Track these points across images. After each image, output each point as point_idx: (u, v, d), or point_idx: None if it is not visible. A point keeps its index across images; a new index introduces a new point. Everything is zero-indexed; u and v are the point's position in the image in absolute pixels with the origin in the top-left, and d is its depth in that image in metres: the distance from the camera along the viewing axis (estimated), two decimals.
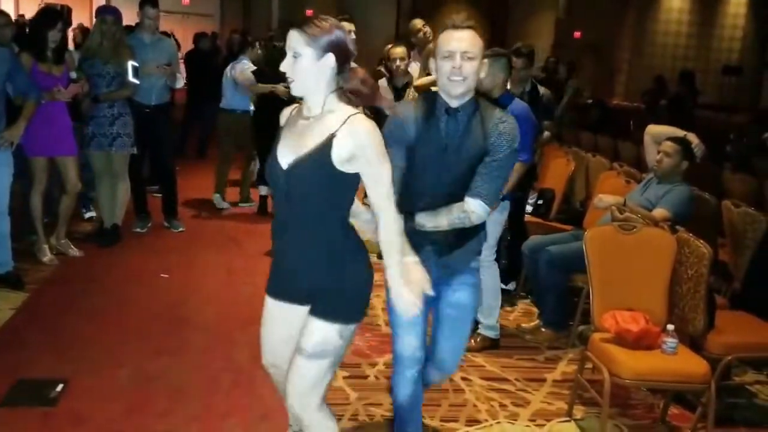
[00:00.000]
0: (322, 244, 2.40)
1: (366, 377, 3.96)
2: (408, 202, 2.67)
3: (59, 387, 3.55)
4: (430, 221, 2.70)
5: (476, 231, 2.84)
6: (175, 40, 7.95)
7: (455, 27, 2.64)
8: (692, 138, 4.53)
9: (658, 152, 4.47)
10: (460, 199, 2.70)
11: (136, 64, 5.80)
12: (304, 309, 2.48)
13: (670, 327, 3.34)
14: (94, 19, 6.33)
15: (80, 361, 3.87)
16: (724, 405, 3.68)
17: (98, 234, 6.00)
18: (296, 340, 2.46)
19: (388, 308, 2.79)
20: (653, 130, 4.78)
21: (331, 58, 2.31)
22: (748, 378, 4.19)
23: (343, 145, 2.28)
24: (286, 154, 2.37)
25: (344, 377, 3.91)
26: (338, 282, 2.41)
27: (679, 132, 4.60)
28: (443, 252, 2.81)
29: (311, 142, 2.32)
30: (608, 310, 3.43)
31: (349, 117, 2.30)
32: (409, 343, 2.84)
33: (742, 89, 17.68)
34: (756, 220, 4.40)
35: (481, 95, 2.81)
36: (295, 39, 2.30)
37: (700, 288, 3.46)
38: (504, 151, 2.65)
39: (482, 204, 2.68)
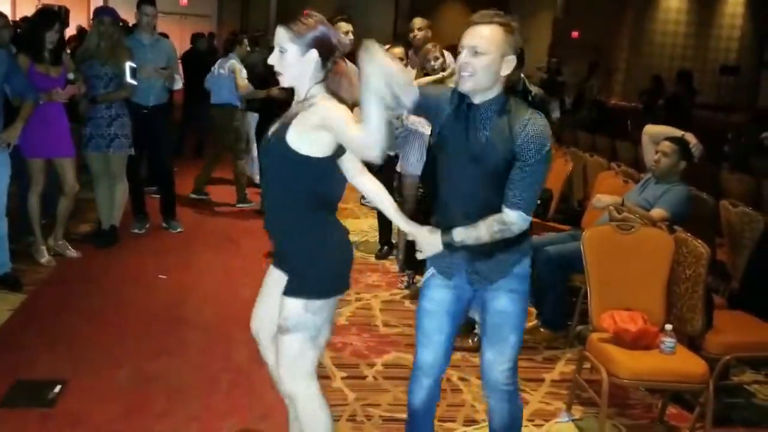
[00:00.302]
0: (287, 222, 2.58)
1: (364, 378, 3.96)
2: (443, 215, 2.69)
3: (57, 388, 3.55)
4: (470, 237, 2.57)
5: (515, 241, 2.67)
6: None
7: (473, 22, 2.58)
8: (690, 138, 4.54)
9: (656, 152, 4.47)
10: (493, 202, 2.57)
11: (133, 65, 5.80)
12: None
13: (669, 327, 3.34)
14: (92, 21, 6.33)
15: (78, 362, 3.87)
16: (722, 405, 3.69)
17: (96, 235, 5.99)
18: (275, 313, 2.66)
19: (417, 315, 2.81)
20: (651, 130, 4.79)
21: (314, 54, 2.50)
22: (746, 378, 4.20)
23: (304, 121, 2.46)
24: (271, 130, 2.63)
25: (342, 378, 3.91)
26: (302, 259, 2.59)
27: (677, 132, 4.60)
28: (474, 259, 2.68)
29: (278, 123, 2.57)
30: (606, 310, 3.43)
31: (318, 102, 2.49)
32: (428, 353, 2.77)
33: (739, 89, 17.73)
34: (754, 219, 4.40)
35: (513, 94, 2.68)
36: (281, 35, 2.49)
37: (698, 288, 3.47)
38: (534, 156, 2.50)
39: (522, 214, 2.56)
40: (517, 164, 2.52)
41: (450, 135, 2.64)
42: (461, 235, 2.57)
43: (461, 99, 2.62)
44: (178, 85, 6.56)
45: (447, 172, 2.67)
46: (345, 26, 5.42)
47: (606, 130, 9.58)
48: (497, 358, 2.74)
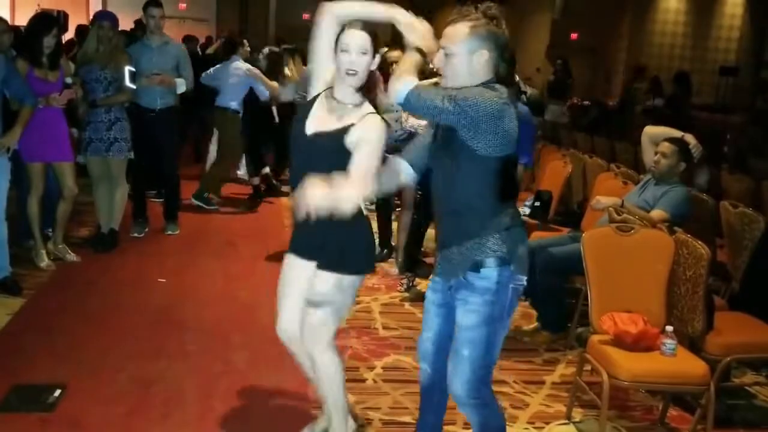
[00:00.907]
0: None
1: (364, 381, 3.95)
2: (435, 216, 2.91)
3: (57, 392, 3.54)
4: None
5: (478, 232, 2.59)
6: None
7: (447, 22, 2.63)
8: (690, 139, 4.53)
9: (656, 153, 4.46)
10: (465, 202, 2.61)
11: (132, 69, 5.81)
12: (313, 265, 2.93)
13: (669, 328, 3.33)
14: (90, 25, 6.33)
15: (78, 366, 3.86)
16: (723, 406, 3.68)
17: (96, 239, 5.99)
18: (303, 301, 2.96)
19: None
20: (651, 131, 4.78)
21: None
22: (747, 379, 4.19)
23: (354, 132, 2.75)
24: (313, 126, 2.83)
25: None
26: (339, 236, 2.83)
27: (676, 133, 4.60)
28: (446, 246, 2.69)
29: (337, 123, 2.79)
30: (606, 312, 3.43)
31: (366, 115, 2.79)
32: (421, 334, 2.88)
33: (738, 90, 17.71)
34: (754, 220, 4.39)
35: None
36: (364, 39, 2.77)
37: (699, 289, 3.46)
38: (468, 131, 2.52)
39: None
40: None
41: (439, 135, 2.70)
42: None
43: None
44: (182, 88, 6.54)
45: (432, 173, 2.74)
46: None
47: (605, 132, 9.58)
48: (453, 371, 2.69)
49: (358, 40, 2.75)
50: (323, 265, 2.90)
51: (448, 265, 2.69)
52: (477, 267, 2.59)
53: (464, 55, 2.54)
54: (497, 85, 2.56)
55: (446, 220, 2.73)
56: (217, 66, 7.86)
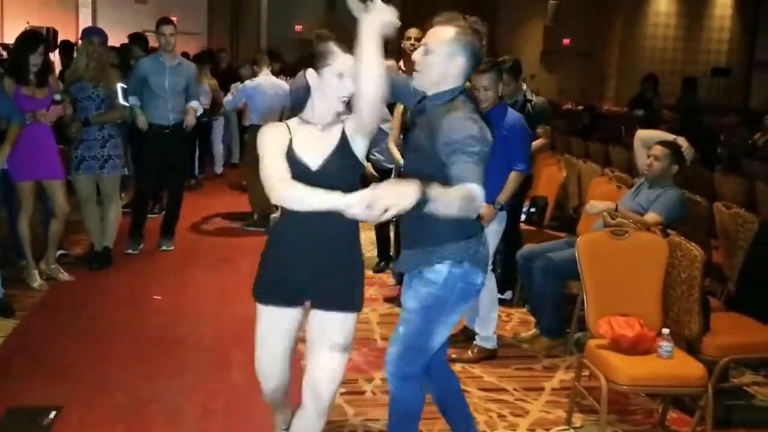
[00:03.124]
0: (345, 234, 2.62)
1: (363, 393, 3.93)
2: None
3: (52, 414, 3.51)
4: (442, 197, 2.35)
5: (441, 238, 2.67)
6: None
7: (434, 23, 2.72)
8: (682, 141, 4.54)
9: (649, 156, 4.47)
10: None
11: (124, 86, 5.81)
12: (298, 311, 2.73)
13: (665, 331, 3.32)
14: (80, 41, 6.34)
15: (73, 387, 3.83)
16: (722, 407, 3.66)
17: (89, 257, 5.96)
18: (290, 350, 2.79)
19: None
20: (643, 134, 4.79)
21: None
22: (745, 379, 4.18)
23: (348, 127, 2.62)
24: (311, 157, 2.58)
25: (341, 393, 3.86)
26: (353, 270, 2.68)
27: (668, 136, 4.60)
28: (408, 242, 2.86)
29: (332, 140, 2.60)
30: (603, 316, 3.42)
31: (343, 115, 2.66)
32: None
33: (731, 91, 17.77)
34: (748, 221, 4.39)
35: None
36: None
37: (694, 291, 3.45)
38: (447, 150, 2.55)
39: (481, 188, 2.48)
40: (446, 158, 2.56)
41: (411, 128, 2.83)
42: (436, 191, 2.32)
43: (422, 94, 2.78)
44: (199, 110, 6.62)
45: (404, 165, 2.83)
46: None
47: (599, 136, 9.59)
48: (390, 344, 2.92)
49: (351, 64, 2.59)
50: (341, 306, 2.64)
51: (408, 261, 2.83)
52: (432, 264, 2.74)
53: (443, 56, 2.65)
54: (466, 100, 2.68)
55: (413, 222, 2.72)
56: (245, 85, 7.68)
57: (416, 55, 2.70)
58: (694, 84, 11.16)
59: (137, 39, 8.07)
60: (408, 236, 2.86)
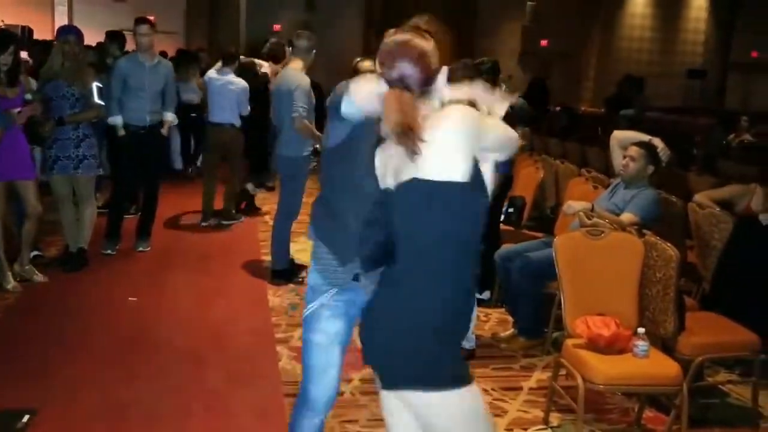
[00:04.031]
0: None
1: (341, 394, 3.89)
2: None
3: (26, 418, 3.46)
4: None
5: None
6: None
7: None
8: (657, 142, 4.58)
9: (624, 157, 4.50)
10: None
11: (100, 85, 5.75)
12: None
13: (641, 330, 3.35)
14: (55, 40, 6.27)
15: (48, 390, 3.79)
16: (697, 406, 3.70)
17: (64, 258, 5.90)
18: None
19: (304, 346, 2.59)
20: (619, 135, 4.83)
21: None
22: (720, 378, 4.21)
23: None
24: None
25: None
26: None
27: (644, 136, 4.64)
28: (368, 267, 2.48)
29: None
30: (580, 316, 3.44)
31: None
32: (326, 388, 2.59)
33: (706, 92, 17.98)
34: (722, 221, 4.44)
35: None
36: None
37: (669, 290, 3.48)
38: None
39: None
40: None
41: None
42: None
43: None
44: (174, 122, 6.62)
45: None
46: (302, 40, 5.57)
47: (576, 137, 9.65)
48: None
49: None
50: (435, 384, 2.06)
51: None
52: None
53: None
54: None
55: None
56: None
57: None
58: (636, 83, 11.27)
59: (116, 37, 7.98)
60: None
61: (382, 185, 2.15)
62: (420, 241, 2.05)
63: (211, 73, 7.52)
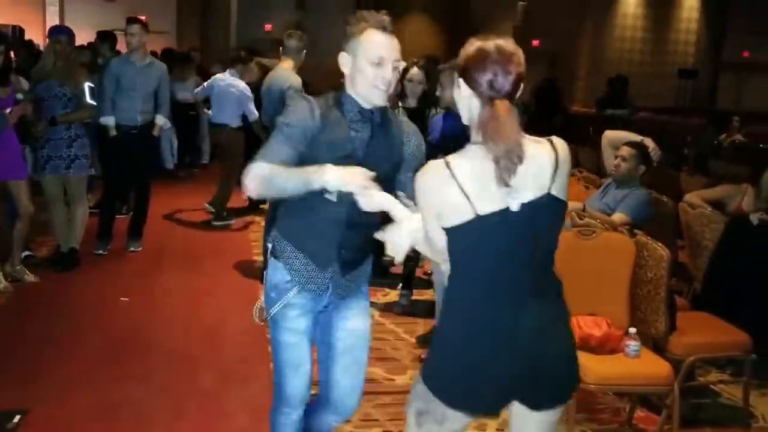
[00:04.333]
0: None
1: None
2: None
3: (17, 418, 3.45)
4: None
5: (371, 248, 2.55)
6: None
7: (385, 30, 2.34)
8: (649, 142, 4.60)
9: (616, 157, 4.52)
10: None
11: (92, 85, 5.73)
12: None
13: (632, 330, 3.36)
14: (47, 40, 6.24)
15: (39, 391, 3.78)
16: (688, 406, 3.72)
17: (55, 259, 5.87)
18: None
19: (274, 346, 2.59)
20: (610, 135, 4.85)
21: None
22: (712, 378, 4.23)
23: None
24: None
25: (312, 394, 3.84)
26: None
27: (635, 137, 4.66)
28: (347, 269, 2.51)
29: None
30: (571, 316, 3.43)
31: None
32: (300, 384, 2.58)
33: (698, 92, 18.03)
34: (713, 220, 4.46)
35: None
36: None
37: (660, 290, 3.49)
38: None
39: None
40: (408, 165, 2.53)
41: (329, 144, 2.52)
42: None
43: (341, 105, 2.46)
44: (167, 125, 6.60)
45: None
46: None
47: (568, 137, 9.64)
48: (356, 383, 2.65)
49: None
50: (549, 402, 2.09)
51: (353, 282, 2.57)
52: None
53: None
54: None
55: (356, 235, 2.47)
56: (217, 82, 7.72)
57: (393, 77, 2.36)
58: (622, 81, 11.30)
59: (107, 37, 7.96)
60: (351, 253, 2.53)
61: (477, 208, 1.93)
62: (542, 255, 2.05)
63: (218, 74, 7.56)
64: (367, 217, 2.29)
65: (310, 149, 2.33)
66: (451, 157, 1.97)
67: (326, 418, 2.74)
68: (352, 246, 2.49)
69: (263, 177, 2.29)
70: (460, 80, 2.01)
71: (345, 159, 2.30)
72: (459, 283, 2.04)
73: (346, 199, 2.27)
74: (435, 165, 1.97)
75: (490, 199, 1.92)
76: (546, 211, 1.98)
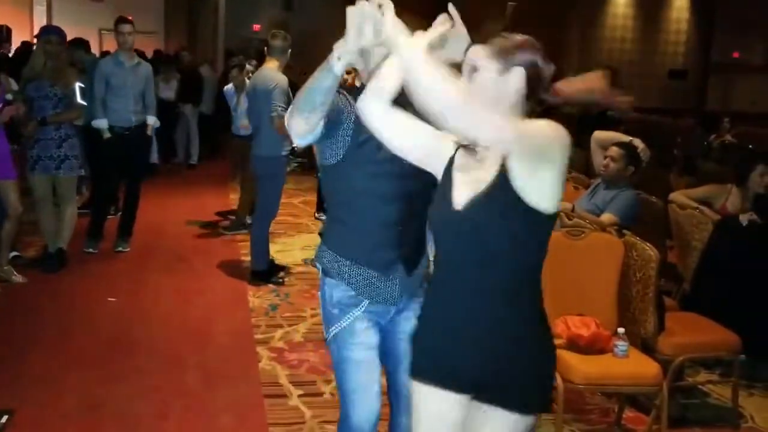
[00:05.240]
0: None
1: (321, 395, 3.90)
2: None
3: (4, 418, 3.43)
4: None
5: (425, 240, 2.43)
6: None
7: None
8: (638, 143, 4.61)
9: (605, 157, 4.52)
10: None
11: (82, 86, 5.70)
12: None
13: (621, 330, 3.35)
14: (37, 39, 6.20)
15: (26, 391, 3.75)
16: (677, 406, 3.72)
17: (43, 259, 5.83)
18: None
19: (341, 367, 2.38)
20: (599, 135, 4.86)
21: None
22: (700, 378, 4.23)
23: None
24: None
25: (299, 395, 3.85)
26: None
27: (624, 137, 4.67)
28: (411, 268, 2.38)
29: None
30: (560, 316, 3.44)
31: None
32: (371, 408, 2.36)
33: (687, 93, 18.12)
34: (702, 221, 4.47)
35: None
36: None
37: (649, 290, 3.49)
38: None
39: None
40: None
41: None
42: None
43: None
44: (157, 124, 6.55)
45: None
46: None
47: None
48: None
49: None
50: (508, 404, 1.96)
51: (416, 280, 2.42)
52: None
53: None
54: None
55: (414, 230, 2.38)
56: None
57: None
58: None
59: (81, 43, 7.90)
60: (410, 244, 2.40)
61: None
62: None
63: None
64: (418, 208, 2.22)
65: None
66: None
67: (400, 421, 2.48)
68: (410, 243, 2.37)
69: (296, 101, 2.14)
70: (518, 70, 1.91)
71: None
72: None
73: (394, 197, 2.25)
74: None
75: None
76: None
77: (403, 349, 2.35)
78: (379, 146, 2.12)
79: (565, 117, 13.02)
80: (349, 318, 2.35)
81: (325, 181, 2.50)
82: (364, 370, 2.36)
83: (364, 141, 2.25)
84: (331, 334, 2.38)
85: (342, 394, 2.41)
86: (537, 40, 2.06)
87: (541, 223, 1.91)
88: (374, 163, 2.24)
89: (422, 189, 2.19)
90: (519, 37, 1.99)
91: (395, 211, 2.31)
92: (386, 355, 2.44)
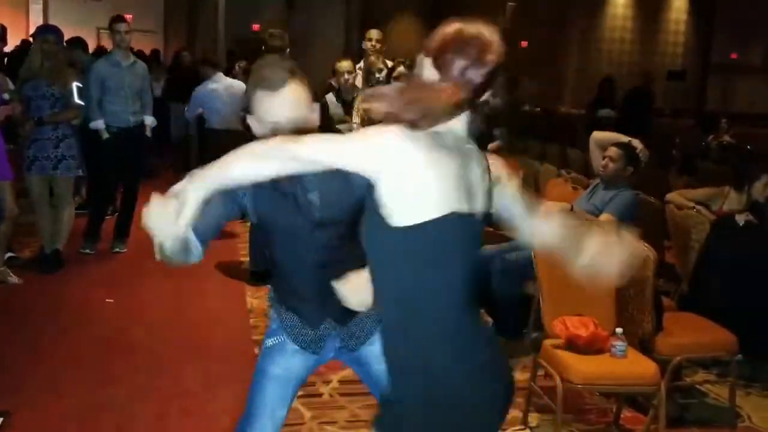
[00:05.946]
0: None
1: (320, 395, 3.90)
2: None
3: (0, 420, 3.42)
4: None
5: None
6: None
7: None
8: (636, 143, 4.61)
9: (604, 158, 4.52)
10: None
11: (80, 85, 5.70)
12: None
13: (619, 330, 3.35)
14: (33, 39, 6.20)
15: (22, 393, 3.74)
16: (675, 406, 3.72)
17: (39, 260, 5.82)
18: None
19: (257, 377, 2.33)
20: (598, 136, 4.85)
21: None
22: (698, 378, 4.23)
23: None
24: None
25: (298, 396, 3.80)
26: None
27: (623, 137, 4.67)
28: (347, 318, 2.26)
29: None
30: (558, 316, 3.44)
31: None
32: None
33: (686, 93, 18.12)
34: (700, 221, 4.47)
35: None
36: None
37: (647, 290, 3.49)
38: None
39: None
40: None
41: None
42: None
43: None
44: (153, 124, 6.55)
45: None
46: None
47: (557, 138, 9.69)
48: None
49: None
50: None
51: (361, 325, 2.32)
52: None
53: None
54: None
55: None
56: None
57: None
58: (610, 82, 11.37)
59: (79, 43, 7.89)
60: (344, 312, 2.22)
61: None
62: None
63: (215, 84, 7.40)
64: (348, 253, 2.04)
65: None
66: None
67: None
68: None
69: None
70: (428, 62, 1.76)
71: None
72: None
73: (314, 242, 2.12)
74: None
75: None
76: None
77: (379, 369, 2.21)
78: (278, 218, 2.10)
79: (564, 117, 13.01)
80: (283, 338, 2.30)
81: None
82: (278, 388, 2.27)
83: (263, 215, 2.17)
84: (268, 342, 2.34)
85: (248, 405, 2.31)
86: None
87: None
88: (281, 233, 2.16)
89: (343, 233, 2.11)
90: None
91: (315, 255, 2.16)
92: (367, 382, 2.45)
